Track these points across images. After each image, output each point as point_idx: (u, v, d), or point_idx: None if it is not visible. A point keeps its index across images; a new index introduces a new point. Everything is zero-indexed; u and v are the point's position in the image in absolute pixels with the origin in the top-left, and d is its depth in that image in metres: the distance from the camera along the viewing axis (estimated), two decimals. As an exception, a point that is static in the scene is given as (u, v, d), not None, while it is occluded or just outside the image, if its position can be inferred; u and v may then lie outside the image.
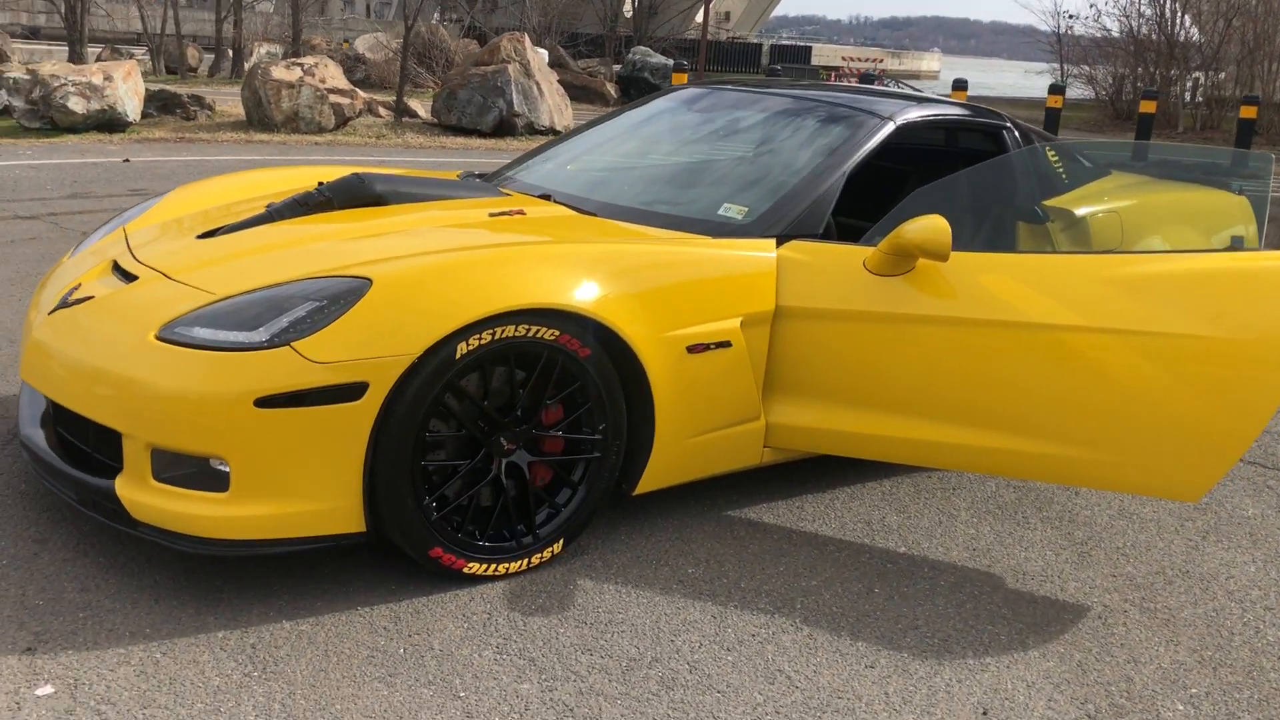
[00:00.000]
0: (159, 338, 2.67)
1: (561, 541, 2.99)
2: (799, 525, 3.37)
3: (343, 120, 14.37)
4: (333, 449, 2.60)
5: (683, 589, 2.92)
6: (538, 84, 15.47)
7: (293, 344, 2.57)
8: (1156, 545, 3.42)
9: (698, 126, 4.19)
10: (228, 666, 2.43)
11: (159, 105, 14.48)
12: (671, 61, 24.16)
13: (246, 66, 16.93)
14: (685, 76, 16.90)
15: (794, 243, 3.34)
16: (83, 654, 2.43)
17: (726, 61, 40.72)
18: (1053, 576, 3.17)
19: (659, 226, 3.41)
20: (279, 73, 14.17)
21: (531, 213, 3.48)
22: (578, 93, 22.88)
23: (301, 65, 14.51)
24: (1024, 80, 33.44)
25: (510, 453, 2.91)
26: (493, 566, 2.88)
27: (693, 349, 3.08)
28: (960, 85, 17.19)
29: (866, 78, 17.74)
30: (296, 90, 13.86)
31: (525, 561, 2.93)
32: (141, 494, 2.64)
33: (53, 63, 15.01)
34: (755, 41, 50.11)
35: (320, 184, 3.54)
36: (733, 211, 3.49)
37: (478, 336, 2.70)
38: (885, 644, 2.72)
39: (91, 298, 2.99)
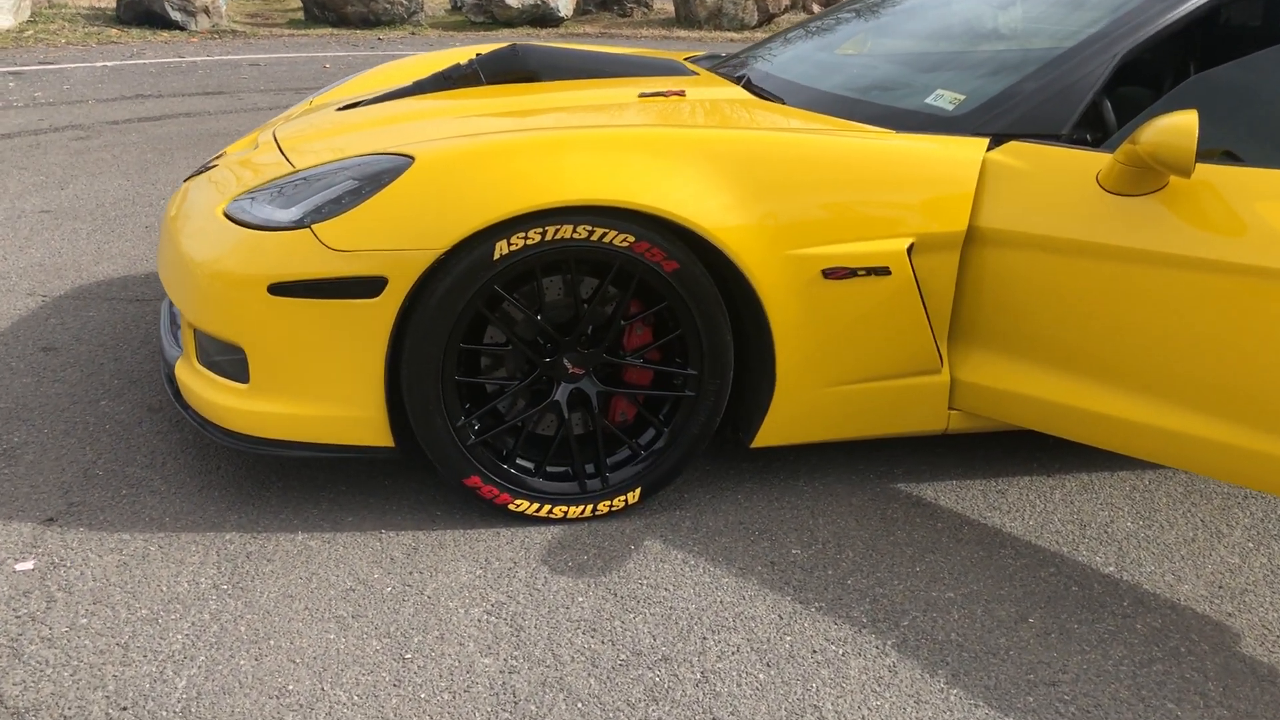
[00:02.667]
0: (224, 212, 2.48)
1: (639, 490, 2.49)
2: (984, 516, 2.59)
3: (766, 16, 13.99)
4: (351, 350, 2.28)
5: (767, 574, 2.32)
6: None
7: (313, 227, 2.26)
8: None
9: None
10: (206, 574, 2.23)
11: (599, 1, 14.93)
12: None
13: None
14: None
15: (1014, 144, 2.49)
16: (88, 533, 2.35)
17: None
18: (1328, 649, 2.17)
19: (854, 119, 2.69)
20: None
21: (693, 94, 2.90)
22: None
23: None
24: None
25: (576, 379, 2.44)
26: (547, 508, 2.45)
27: (831, 273, 2.40)
28: None
29: None
30: (720, -14, 13.67)
31: (590, 508, 2.47)
32: (189, 376, 2.49)
33: None
34: None
35: (476, 56, 3.19)
36: (944, 100, 2.68)
37: (522, 235, 2.24)
38: (994, 700, 1.97)
39: (214, 166, 2.89)
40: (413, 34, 12.21)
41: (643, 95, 2.86)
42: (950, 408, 2.62)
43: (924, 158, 2.46)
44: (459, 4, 13.71)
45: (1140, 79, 3.30)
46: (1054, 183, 2.41)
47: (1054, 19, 2.93)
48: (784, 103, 2.87)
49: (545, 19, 13.36)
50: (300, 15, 12.83)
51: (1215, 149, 2.48)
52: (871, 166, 2.43)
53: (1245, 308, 2.16)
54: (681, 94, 2.88)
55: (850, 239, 2.40)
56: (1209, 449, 2.26)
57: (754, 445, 2.55)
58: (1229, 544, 2.52)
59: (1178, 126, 2.14)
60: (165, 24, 10.99)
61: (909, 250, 2.43)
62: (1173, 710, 1.97)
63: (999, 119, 2.55)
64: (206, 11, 11.36)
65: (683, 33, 13.51)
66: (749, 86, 3.05)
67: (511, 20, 13.20)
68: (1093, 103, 2.59)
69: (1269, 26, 3.16)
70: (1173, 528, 2.58)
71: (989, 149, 2.50)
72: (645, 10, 14.78)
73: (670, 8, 14.88)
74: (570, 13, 13.67)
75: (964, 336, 2.56)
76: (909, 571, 2.36)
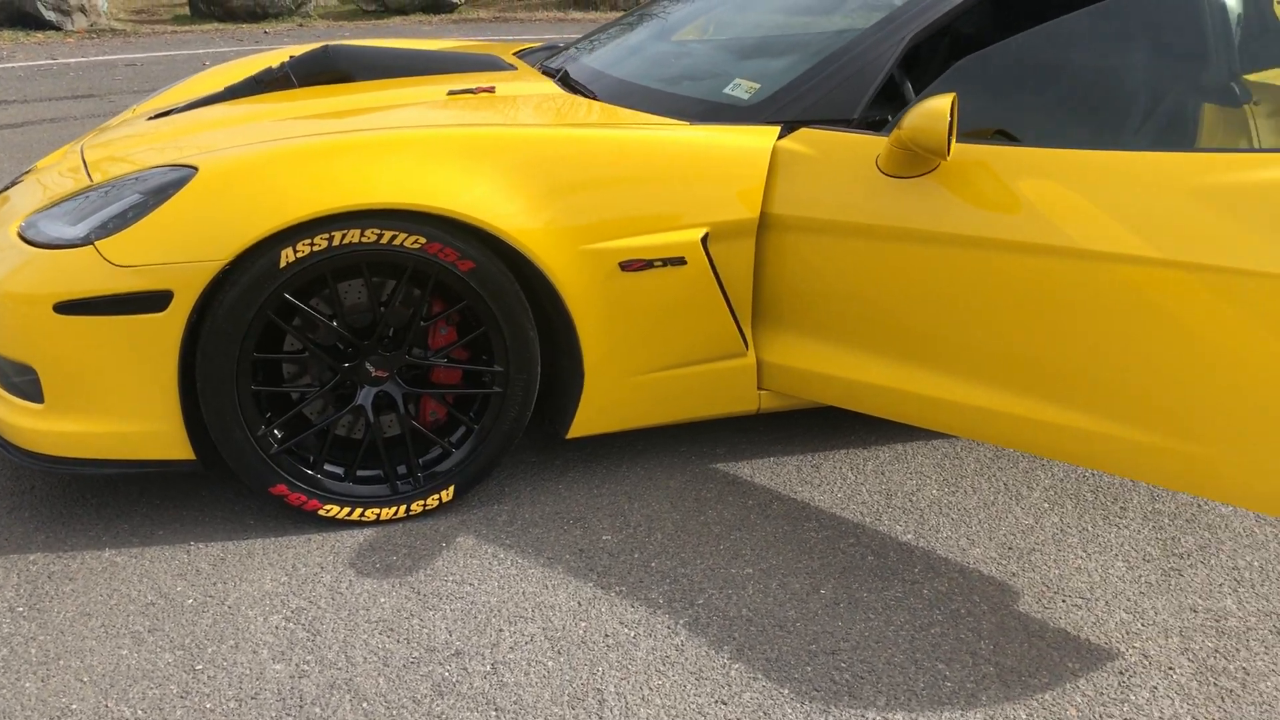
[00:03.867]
0: (18, 231, 2.46)
1: (452, 489, 2.53)
2: (795, 490, 2.67)
3: (660, -5, 13.97)
4: (142, 365, 2.28)
5: (574, 562, 2.37)
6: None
7: (96, 243, 2.26)
8: (1305, 573, 2.40)
9: None
10: (3, 596, 2.22)
11: (488, -15, 14.83)
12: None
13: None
14: None
15: (804, 131, 2.56)
16: (-113, 563, 2.32)
17: None
18: (1103, 599, 2.28)
19: (657, 111, 2.74)
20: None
21: (503, 90, 2.93)
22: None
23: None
24: None
25: (380, 381, 2.46)
26: (359, 511, 2.48)
27: (628, 266, 2.45)
28: None
29: None
30: (612, -35, 13.64)
31: (403, 508, 2.50)
32: (-9, 398, 2.47)
33: None
34: None
35: (289, 58, 3.18)
36: (741, 89, 2.74)
37: (308, 242, 2.25)
38: (774, 672, 2.05)
39: (21, 181, 2.86)
40: (301, 25, 12.04)
41: (451, 93, 2.88)
42: (760, 388, 2.69)
43: (715, 149, 2.52)
44: (349, -7, 13.55)
45: (934, 61, 3.40)
46: (838, 168, 2.48)
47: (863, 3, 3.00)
48: (595, 96, 2.90)
49: (439, 5, 13.24)
50: (186, 10, 12.58)
51: (988, 129, 2.57)
52: (664, 160, 2.48)
53: (1017, 282, 2.25)
54: (491, 90, 2.90)
55: (645, 231, 2.45)
56: (995, 419, 2.36)
57: (569, 436, 2.60)
58: (1025, 505, 2.63)
59: (932, 110, 2.21)
60: (39, 24, 10.72)
61: (704, 240, 2.48)
62: (942, 670, 2.06)
63: (791, 106, 2.62)
64: (83, 10, 11.10)
65: (578, 14, 13.48)
66: (565, 80, 3.09)
67: (404, 7, 13.06)
68: (883, 87, 2.66)
69: (1054, 6, 3.26)
70: (975, 493, 2.68)
71: (780, 137, 2.56)
72: (541, -8, 14.73)
73: (566, -11, 14.84)
74: (463, -2, 13.57)
75: (767, 320, 2.63)
76: (712, 550, 2.43)
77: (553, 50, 3.74)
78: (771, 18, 3.20)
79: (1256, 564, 2.42)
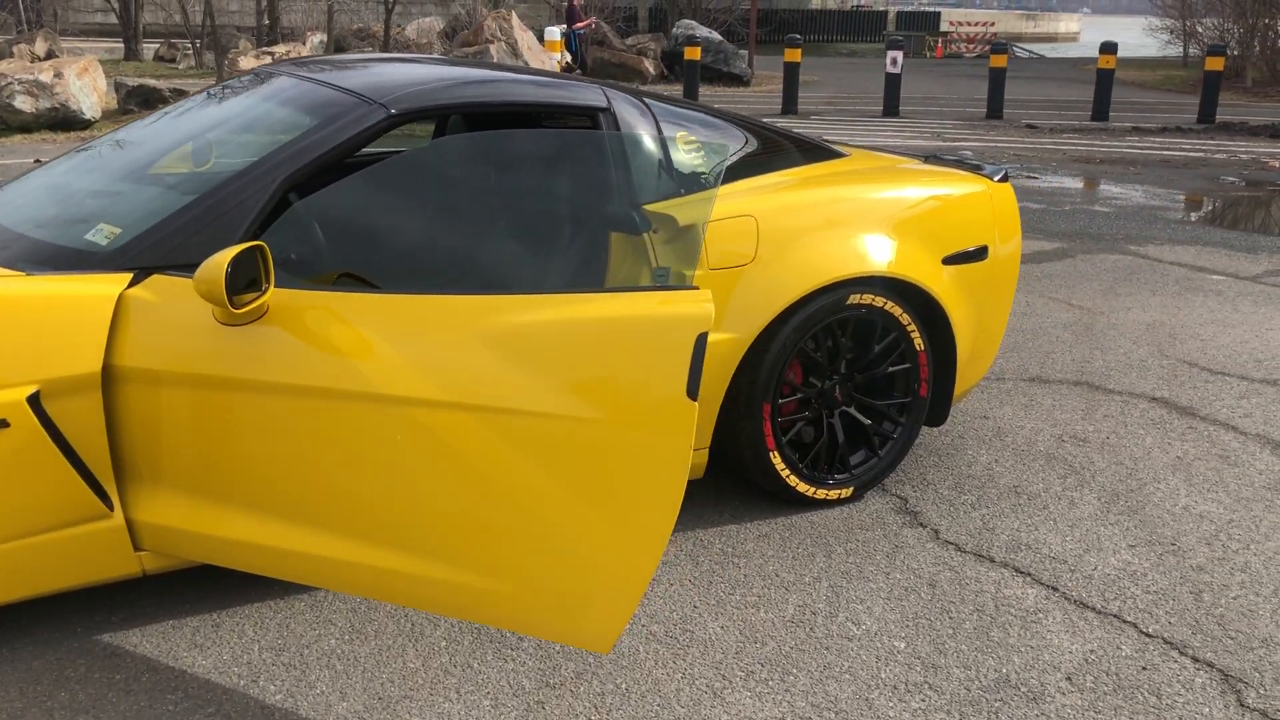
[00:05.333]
0: None
1: None
2: (176, 658, 2.51)
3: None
4: None
5: None
6: (525, 63, 14.67)
7: None
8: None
9: (216, 121, 3.29)
10: None
11: (140, 100, 14.24)
12: (717, 36, 23.06)
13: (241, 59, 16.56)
14: (799, 51, 16.22)
15: (156, 278, 2.46)
16: None
17: (847, 31, 40.51)
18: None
19: (11, 259, 2.56)
20: (246, 63, 13.73)
21: None
22: (614, 70, 22.04)
23: (272, 54, 14.05)
24: (1144, 39, 30.94)
25: None
26: None
27: (-59, 435, 2.25)
28: (1109, 48, 15.47)
29: (999, 47, 16.16)
30: (259, 80, 13.41)
31: None
32: None
33: (7, 61, 14.86)
34: (880, 9, 48.81)
35: None
36: (102, 235, 2.62)
37: None
38: None
39: None
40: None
41: None
42: (138, 549, 2.53)
43: (50, 300, 2.37)
44: (-35, 110, 12.61)
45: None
46: (182, 316, 2.39)
47: (255, 146, 2.95)
48: (-30, 243, 2.70)
49: (69, 122, 12.55)
50: None
51: (332, 272, 2.56)
52: (-16, 317, 2.31)
53: (329, 428, 2.21)
54: None
55: (-44, 395, 2.26)
56: (329, 566, 2.29)
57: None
58: (422, 646, 2.58)
59: (212, 263, 2.17)
60: None
61: (33, 398, 2.32)
62: None
63: (149, 253, 2.52)
64: None
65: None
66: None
67: (27, 125, 12.29)
68: (251, 232, 2.61)
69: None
70: (376, 638, 2.61)
71: (132, 284, 2.45)
72: (193, 107, 14.24)
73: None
74: (98, 114, 12.91)
75: (132, 477, 2.48)
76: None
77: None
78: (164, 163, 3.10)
79: (625, 685, 2.45)
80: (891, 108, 16.12)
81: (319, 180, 3.04)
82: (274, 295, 2.31)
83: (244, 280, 2.23)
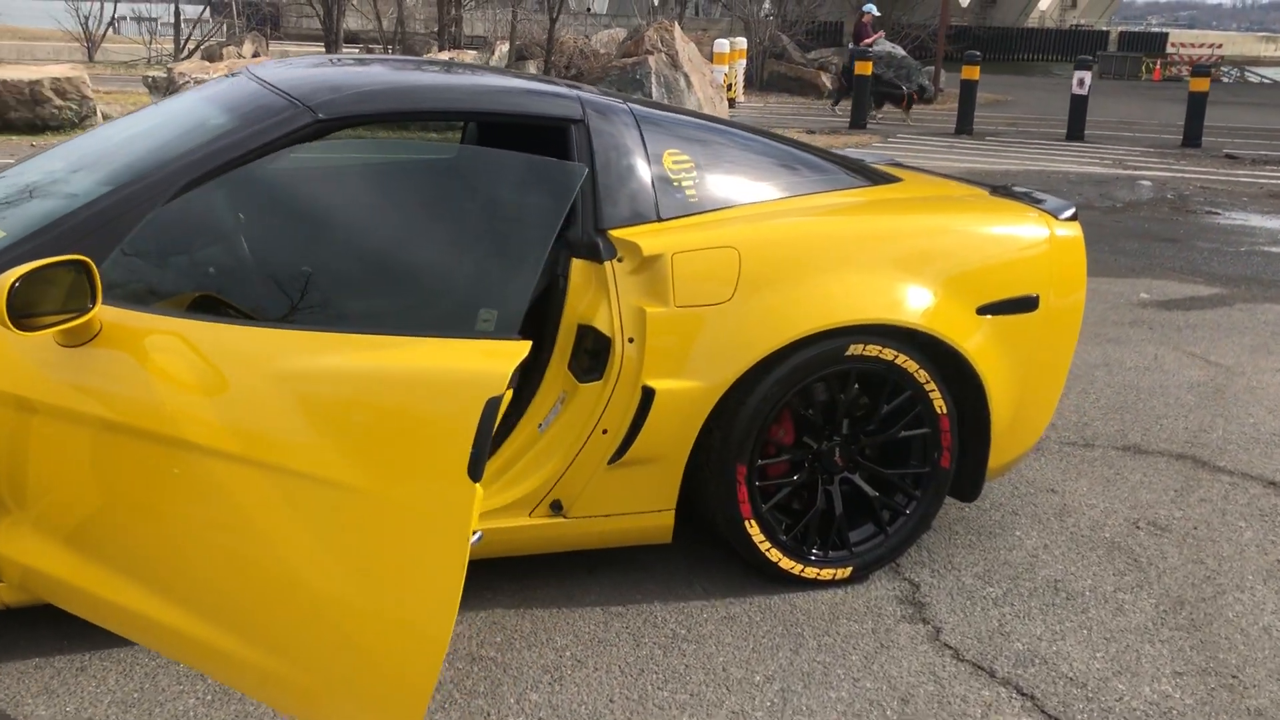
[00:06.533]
0: None
1: None
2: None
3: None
4: None
5: None
6: (685, 76, 14.39)
7: None
8: None
9: (155, 123, 3.02)
10: None
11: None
12: (901, 51, 22.26)
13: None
14: (977, 69, 15.58)
15: None
16: None
17: (1064, 50, 39.00)
18: None
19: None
20: (409, 68, 13.94)
21: None
22: (790, 84, 21.57)
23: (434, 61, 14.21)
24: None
25: None
26: None
27: None
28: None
29: (1200, 69, 15.05)
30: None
31: None
32: None
33: (190, 62, 15.54)
34: (1103, 29, 46.57)
35: None
36: (-13, 240, 2.44)
37: None
38: None
39: None
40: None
41: None
42: (-2, 581, 2.33)
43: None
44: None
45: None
46: (27, 336, 2.17)
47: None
48: None
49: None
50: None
51: (190, 293, 2.30)
52: None
53: (130, 466, 1.95)
54: None
55: None
56: (138, 622, 2.03)
57: None
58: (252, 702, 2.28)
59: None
60: None
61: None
62: None
63: (24, 260, 2.31)
64: None
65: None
66: None
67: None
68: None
69: (302, 185, 2.88)
70: (239, 701, 2.33)
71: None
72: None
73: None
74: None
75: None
76: None
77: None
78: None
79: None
80: (1076, 131, 15.04)
81: (245, 188, 2.79)
82: (108, 316, 2.06)
83: (60, 298, 1.98)
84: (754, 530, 2.80)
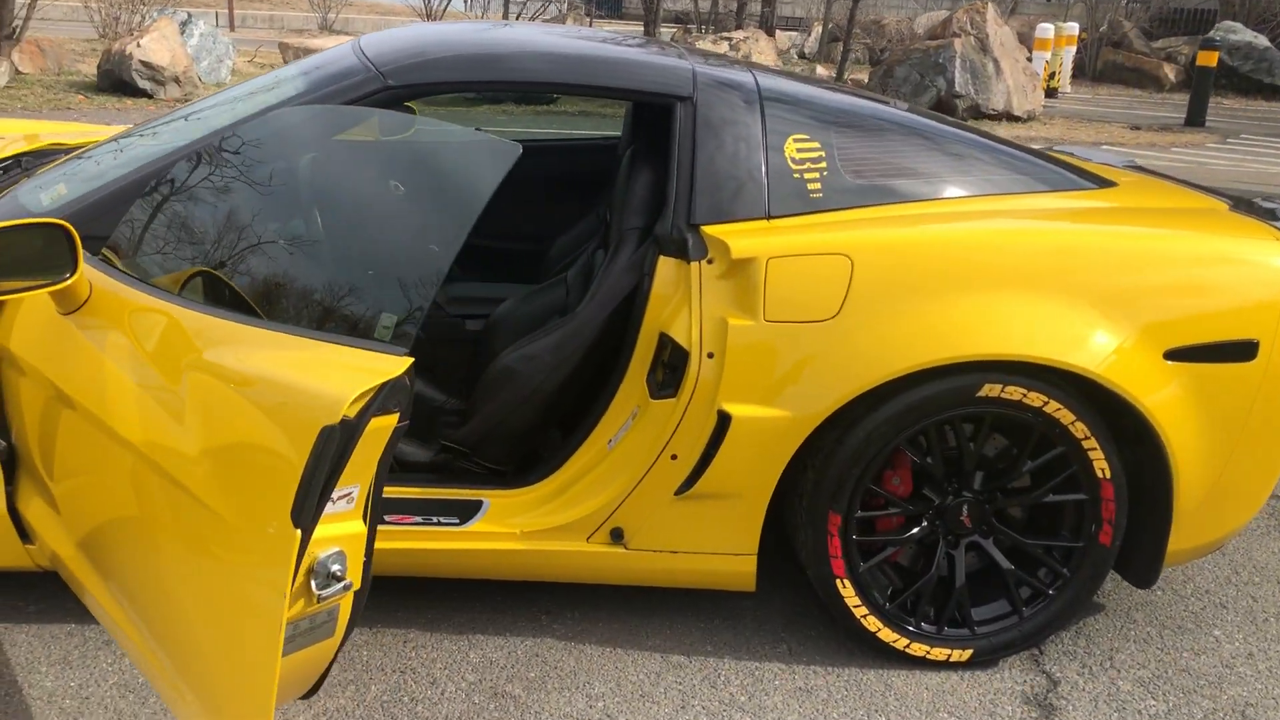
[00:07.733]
0: None
1: None
2: None
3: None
4: None
5: None
6: (994, 61, 13.39)
7: None
8: None
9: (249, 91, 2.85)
10: None
11: None
12: (1264, 41, 19.83)
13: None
14: (1215, 55, 13.90)
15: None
16: None
17: None
18: None
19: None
20: (704, 46, 13.81)
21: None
22: (1127, 75, 19.72)
23: (729, 39, 14.01)
24: None
25: None
26: None
27: None
28: None
29: None
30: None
31: None
32: None
33: None
34: None
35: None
36: (49, 199, 2.41)
37: None
38: None
39: None
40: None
41: None
42: (27, 542, 2.31)
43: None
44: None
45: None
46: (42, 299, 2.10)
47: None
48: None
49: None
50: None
51: (188, 269, 2.13)
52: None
53: (80, 448, 1.83)
54: None
55: None
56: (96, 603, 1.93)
57: None
58: None
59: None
60: (134, 92, 11.41)
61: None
62: None
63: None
64: (177, 81, 11.75)
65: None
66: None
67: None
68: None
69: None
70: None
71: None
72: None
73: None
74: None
75: (25, 464, 2.25)
76: None
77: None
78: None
79: None
80: None
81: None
82: (97, 286, 1.94)
83: (35, 262, 1.88)
84: (847, 591, 2.36)
